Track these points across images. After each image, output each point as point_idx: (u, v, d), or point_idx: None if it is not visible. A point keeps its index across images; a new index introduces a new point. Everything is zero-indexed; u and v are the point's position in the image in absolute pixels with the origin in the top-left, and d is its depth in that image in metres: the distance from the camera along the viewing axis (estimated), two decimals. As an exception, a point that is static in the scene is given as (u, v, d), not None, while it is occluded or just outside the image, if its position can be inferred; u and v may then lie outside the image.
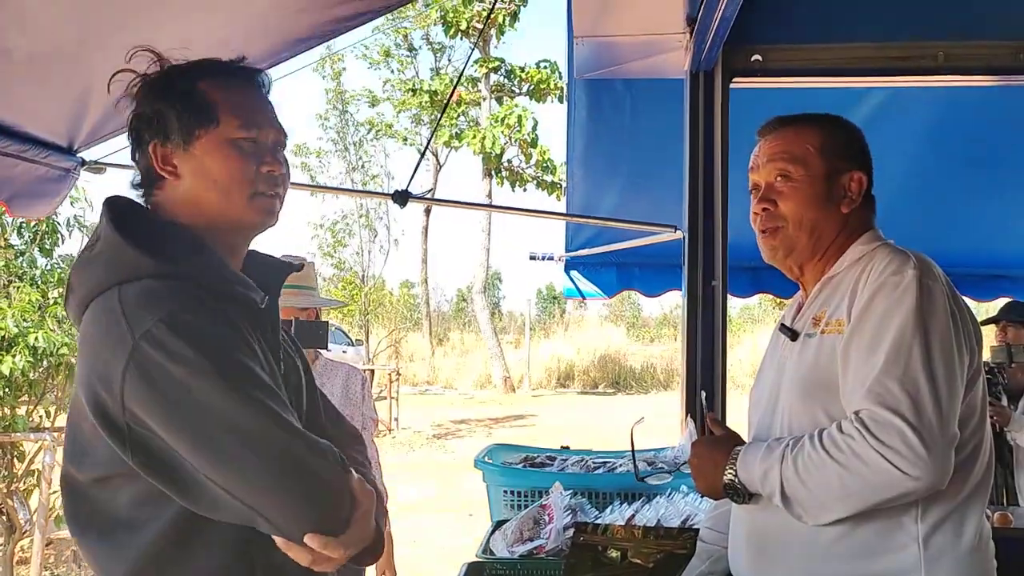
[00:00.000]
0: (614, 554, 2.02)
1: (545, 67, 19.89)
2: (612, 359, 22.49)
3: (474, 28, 18.03)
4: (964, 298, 1.61)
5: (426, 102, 20.43)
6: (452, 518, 8.03)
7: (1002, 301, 4.39)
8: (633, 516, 2.38)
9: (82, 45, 2.25)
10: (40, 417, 5.60)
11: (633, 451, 2.14)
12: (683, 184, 2.92)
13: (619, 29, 2.89)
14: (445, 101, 18.89)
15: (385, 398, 14.35)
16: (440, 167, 22.73)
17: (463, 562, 2.30)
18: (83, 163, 3.07)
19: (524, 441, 3.77)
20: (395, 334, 21.56)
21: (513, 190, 20.09)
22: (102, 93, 2.49)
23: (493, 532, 2.51)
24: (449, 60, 21.92)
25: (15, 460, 5.36)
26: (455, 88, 18.04)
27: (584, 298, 5.15)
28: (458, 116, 20.31)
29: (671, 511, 2.39)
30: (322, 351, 3.23)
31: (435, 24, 19.70)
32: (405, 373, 19.68)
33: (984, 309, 4.78)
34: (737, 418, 1.85)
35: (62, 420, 5.63)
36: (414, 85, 20.93)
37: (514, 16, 18.55)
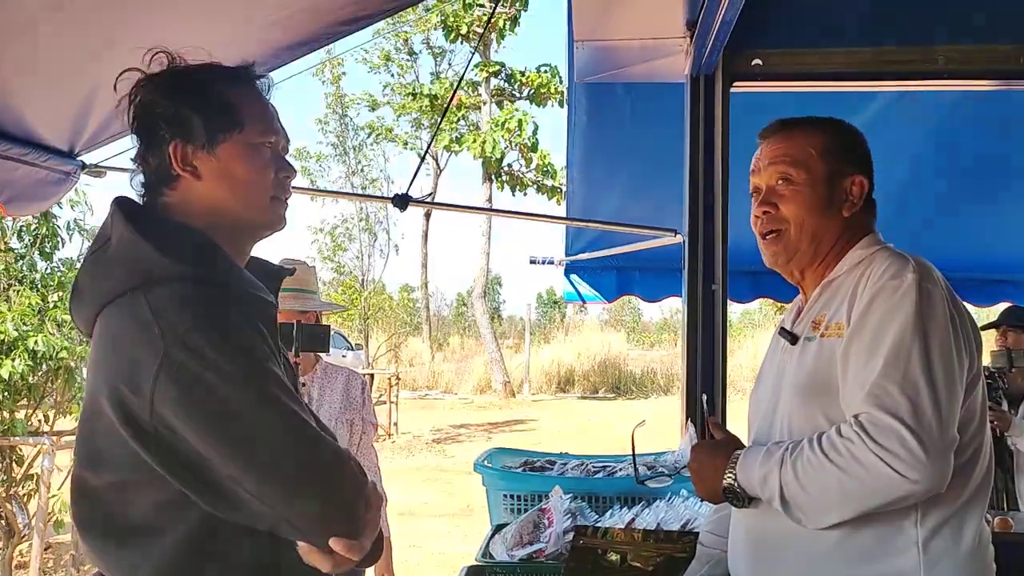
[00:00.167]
0: (614, 557, 2.02)
1: (545, 71, 19.91)
2: (612, 364, 22.48)
3: (474, 32, 18.06)
4: (964, 304, 1.61)
5: (426, 106, 20.45)
6: (451, 523, 8.03)
7: (1003, 306, 4.39)
8: (633, 520, 2.38)
9: (85, 50, 2.25)
10: (39, 421, 5.60)
11: (634, 454, 2.13)
12: (683, 188, 2.92)
13: (619, 33, 2.89)
14: (445, 105, 18.92)
15: (385, 403, 14.34)
16: (440, 171, 22.75)
17: (462, 566, 2.30)
18: (83, 166, 3.07)
19: (524, 446, 3.76)
20: (395, 338, 21.55)
21: (513, 194, 20.13)
22: (104, 97, 2.50)
23: (492, 536, 2.51)
24: (449, 64, 21.98)
25: (14, 464, 5.35)
26: (455, 92, 18.07)
27: (584, 302, 5.15)
28: (458, 120, 20.33)
29: (671, 515, 2.38)
30: (322, 355, 3.23)
31: (435, 28, 19.73)
32: (405, 378, 19.67)
33: (985, 314, 4.77)
34: (738, 422, 1.85)
35: (61, 424, 5.63)
36: (414, 89, 20.97)
37: (514, 20, 18.57)
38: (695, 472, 1.69)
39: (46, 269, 5.89)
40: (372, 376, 14.97)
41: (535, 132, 19.37)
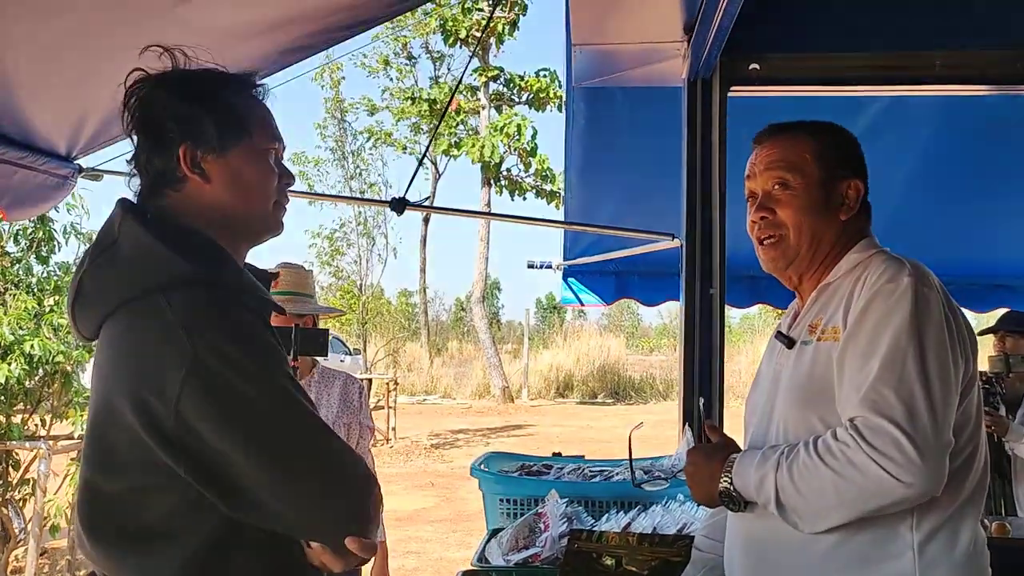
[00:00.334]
0: (609, 561, 2.02)
1: (544, 76, 19.95)
2: (611, 369, 22.47)
3: (473, 37, 18.09)
4: (963, 310, 1.61)
5: (425, 111, 20.48)
6: (449, 528, 8.01)
7: (1001, 312, 4.38)
8: (629, 524, 2.37)
9: (84, 55, 2.25)
10: (36, 425, 5.58)
11: (631, 458, 2.13)
12: (681, 192, 2.92)
13: (617, 37, 2.90)
14: (443, 109, 18.93)
15: (383, 407, 14.32)
16: (439, 176, 22.78)
17: (458, 570, 2.29)
18: (80, 170, 3.07)
19: (522, 451, 3.76)
20: (393, 343, 21.54)
21: (512, 199, 20.16)
22: (103, 100, 2.50)
23: (488, 540, 2.50)
24: (448, 69, 22.01)
25: (10, 469, 5.33)
26: (453, 96, 18.10)
27: (582, 305, 5.15)
28: (457, 125, 20.35)
29: (667, 519, 2.38)
30: (319, 359, 3.23)
31: (434, 33, 19.76)
32: (403, 383, 19.65)
33: (985, 319, 4.78)
34: (736, 427, 1.85)
35: (58, 428, 5.61)
36: (413, 94, 20.99)
37: (513, 25, 18.60)
38: (691, 476, 1.69)
39: (42, 273, 5.88)
40: (370, 381, 14.96)
41: (534, 136, 19.42)
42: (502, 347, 24.53)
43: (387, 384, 14.78)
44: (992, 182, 3.94)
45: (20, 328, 5.17)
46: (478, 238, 21.69)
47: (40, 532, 4.96)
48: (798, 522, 1.50)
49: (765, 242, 1.71)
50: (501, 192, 20.17)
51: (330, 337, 2.79)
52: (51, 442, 5.17)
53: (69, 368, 5.34)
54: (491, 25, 18.20)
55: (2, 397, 5.16)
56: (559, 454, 3.38)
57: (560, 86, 18.99)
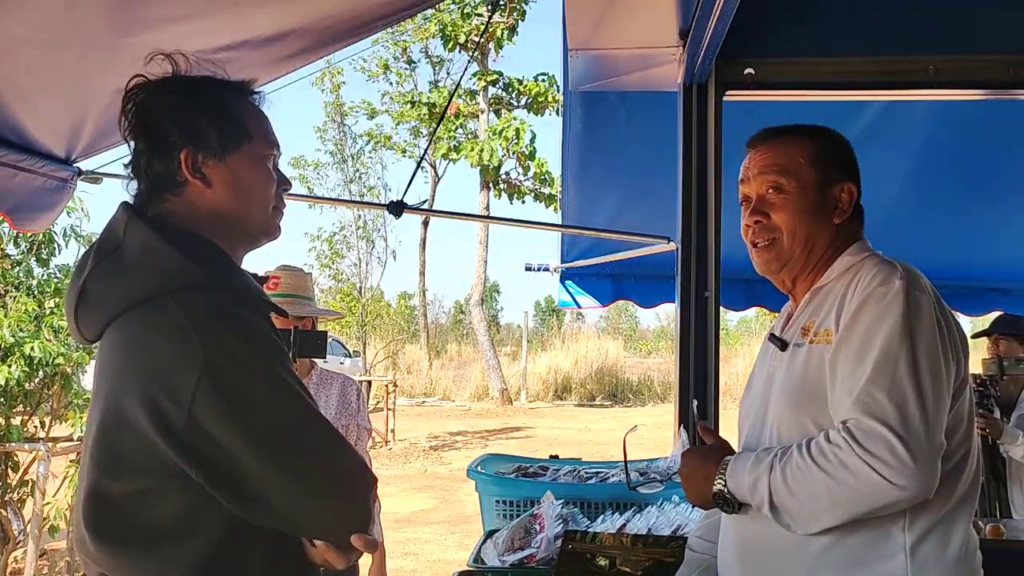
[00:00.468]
0: (603, 562, 2.03)
1: (543, 80, 19.96)
2: (609, 371, 22.47)
3: (472, 42, 18.11)
4: (957, 313, 1.62)
5: (425, 114, 20.49)
6: (447, 530, 8.01)
7: (994, 315, 4.40)
8: (624, 525, 2.39)
9: (83, 58, 2.27)
10: (35, 427, 5.59)
11: (625, 460, 2.14)
12: (676, 195, 2.93)
13: (613, 42, 2.91)
14: (441, 112, 18.93)
15: (382, 410, 14.31)
16: (438, 180, 22.79)
17: (454, 571, 2.30)
18: (80, 173, 3.08)
19: (520, 453, 3.77)
20: (392, 346, 21.53)
21: (511, 202, 20.17)
22: (101, 104, 2.51)
23: (484, 541, 2.51)
24: (448, 73, 22.02)
25: (9, 470, 5.33)
26: (451, 99, 18.09)
27: (580, 307, 5.16)
28: (456, 129, 20.37)
29: (662, 521, 2.39)
30: (318, 361, 3.24)
31: (434, 37, 19.78)
32: (402, 385, 19.65)
33: (978, 323, 4.79)
34: (732, 429, 1.86)
35: (57, 430, 5.62)
36: (412, 98, 21.00)
37: (512, 30, 18.63)
38: (685, 478, 1.70)
39: (43, 275, 5.89)
40: (369, 383, 14.95)
41: (533, 140, 19.44)
42: (501, 349, 24.52)
43: (386, 386, 14.78)
44: (985, 186, 3.95)
45: (20, 330, 5.18)
46: (477, 241, 21.70)
47: (39, 534, 4.97)
48: (791, 524, 1.51)
49: (759, 245, 1.72)
50: (500, 196, 20.19)
51: (329, 339, 2.80)
52: (50, 444, 5.17)
53: (69, 370, 5.34)
54: (490, 30, 18.21)
55: (2, 399, 5.16)
56: (556, 457, 3.39)
57: (559, 90, 18.99)
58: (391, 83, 22.04)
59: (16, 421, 5.37)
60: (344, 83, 21.32)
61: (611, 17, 2.80)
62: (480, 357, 21.81)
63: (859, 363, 1.49)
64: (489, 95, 20.52)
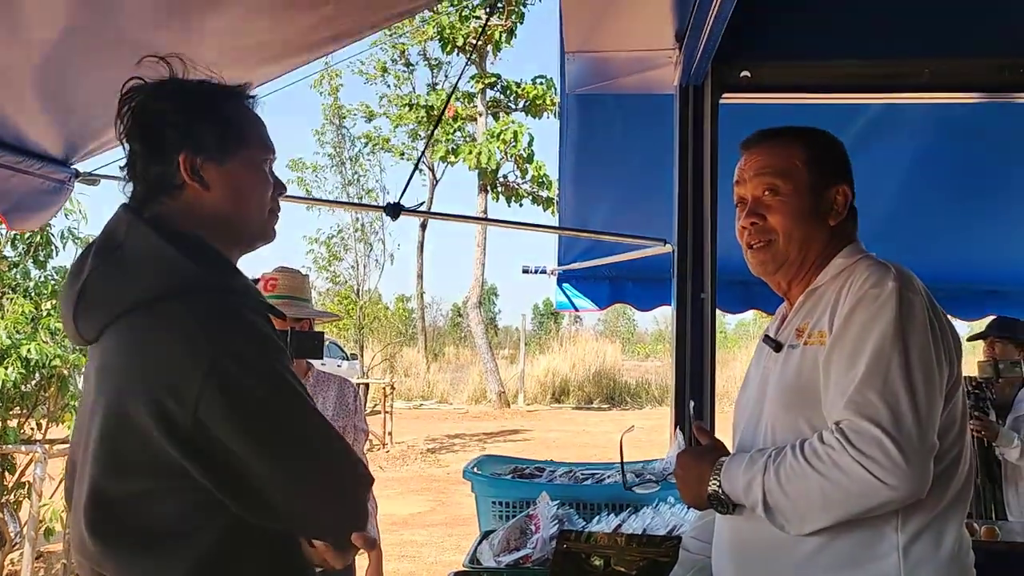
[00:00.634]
0: (597, 562, 2.03)
1: (541, 83, 19.97)
2: (607, 374, 22.47)
3: (470, 44, 18.12)
4: (952, 317, 1.63)
5: (423, 117, 20.48)
6: (444, 532, 8.01)
7: (990, 319, 4.41)
8: (620, 526, 2.39)
9: (80, 60, 2.27)
10: (32, 429, 5.58)
11: (622, 461, 2.14)
12: (673, 198, 2.94)
13: (610, 45, 2.92)
14: (438, 115, 18.93)
15: (379, 412, 14.31)
16: (436, 182, 22.78)
17: (449, 572, 2.31)
18: (77, 174, 3.08)
19: (517, 456, 3.78)
20: (390, 348, 21.51)
21: (509, 205, 20.16)
22: (97, 106, 2.51)
23: (480, 542, 2.52)
24: (446, 76, 21.99)
25: (6, 472, 5.32)
26: (448, 101, 18.11)
27: (577, 310, 5.16)
28: (454, 131, 20.37)
29: (657, 521, 2.40)
30: (314, 362, 3.24)
31: (432, 40, 19.79)
32: (400, 388, 19.63)
33: (975, 327, 4.81)
34: (729, 431, 1.87)
35: (54, 432, 5.61)
36: (411, 100, 21.00)
37: (510, 32, 18.64)
38: (680, 479, 1.70)
39: (40, 277, 5.89)
40: (367, 386, 14.94)
41: (530, 143, 19.43)
42: (499, 352, 24.52)
43: (384, 389, 14.77)
44: (981, 189, 3.96)
45: (17, 332, 5.18)
46: (475, 244, 21.71)
47: (36, 536, 4.96)
48: (785, 524, 1.52)
49: (754, 247, 1.72)
50: (498, 198, 20.21)
51: (327, 342, 2.81)
52: (47, 446, 5.16)
53: (66, 372, 5.34)
54: (488, 33, 18.23)
55: (-2, 401, 5.16)
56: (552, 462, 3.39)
57: (556, 93, 19.02)
58: (389, 86, 22.06)
59: (13, 423, 5.36)
60: (342, 85, 21.34)
61: (607, 20, 2.81)
62: (478, 360, 21.80)
63: (852, 364, 1.50)
64: (487, 98, 20.53)
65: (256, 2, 2.21)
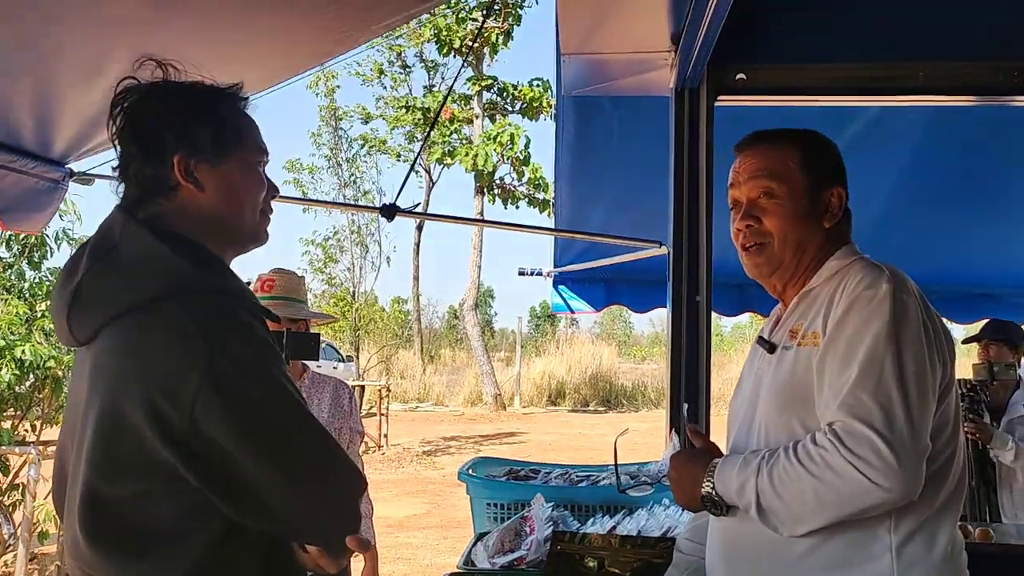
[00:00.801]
0: (591, 563, 2.03)
1: (538, 85, 20.00)
2: (603, 377, 22.48)
3: (467, 46, 18.13)
4: (946, 320, 1.63)
5: (419, 119, 20.49)
6: (439, 535, 8.00)
7: (984, 322, 4.41)
8: (614, 528, 2.39)
9: (76, 61, 2.27)
10: (25, 431, 5.57)
11: (616, 463, 2.13)
12: (668, 200, 2.94)
13: (606, 47, 2.92)
14: (433, 116, 18.93)
15: (375, 415, 14.30)
16: (433, 185, 22.78)
17: (444, 573, 2.31)
18: (71, 174, 3.08)
19: (513, 458, 3.78)
20: (386, 351, 21.50)
21: (505, 208, 20.17)
22: (93, 106, 2.51)
23: (475, 544, 2.51)
24: (443, 78, 22.01)
25: (-1, 474, 5.32)
26: (443, 103, 18.13)
27: (572, 312, 5.16)
28: (451, 134, 20.38)
29: (652, 523, 2.40)
30: (310, 364, 3.24)
31: (428, 42, 19.80)
32: (395, 390, 19.63)
33: (970, 330, 4.81)
34: (724, 434, 1.87)
35: (48, 434, 5.60)
36: (407, 102, 21.00)
37: (507, 35, 18.66)
38: (674, 481, 1.71)
39: (34, 279, 5.89)
40: (363, 388, 14.94)
41: (527, 146, 19.45)
42: (495, 355, 24.53)
43: (379, 391, 14.76)
44: (976, 192, 3.97)
45: (11, 333, 5.17)
46: (471, 246, 21.72)
47: (29, 537, 4.95)
48: (778, 526, 1.52)
49: (750, 249, 1.73)
50: (494, 201, 20.21)
51: (323, 344, 2.81)
52: (41, 447, 5.15)
53: (60, 373, 5.33)
54: (485, 35, 18.24)
55: (-8, 402, 5.15)
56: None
57: (553, 95, 19.01)
58: (385, 87, 22.07)
59: (7, 424, 5.35)
60: (339, 87, 21.28)
61: (604, 22, 2.81)
62: (474, 362, 21.80)
63: (846, 366, 1.50)
64: (484, 100, 20.54)
65: (257, 8, 2.21)
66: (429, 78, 21.99)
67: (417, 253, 23.86)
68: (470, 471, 2.98)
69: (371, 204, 20.47)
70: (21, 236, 5.65)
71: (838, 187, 1.73)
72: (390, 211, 3.29)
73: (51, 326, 5.34)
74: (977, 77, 2.79)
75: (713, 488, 1.60)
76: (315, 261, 20.73)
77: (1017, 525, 3.71)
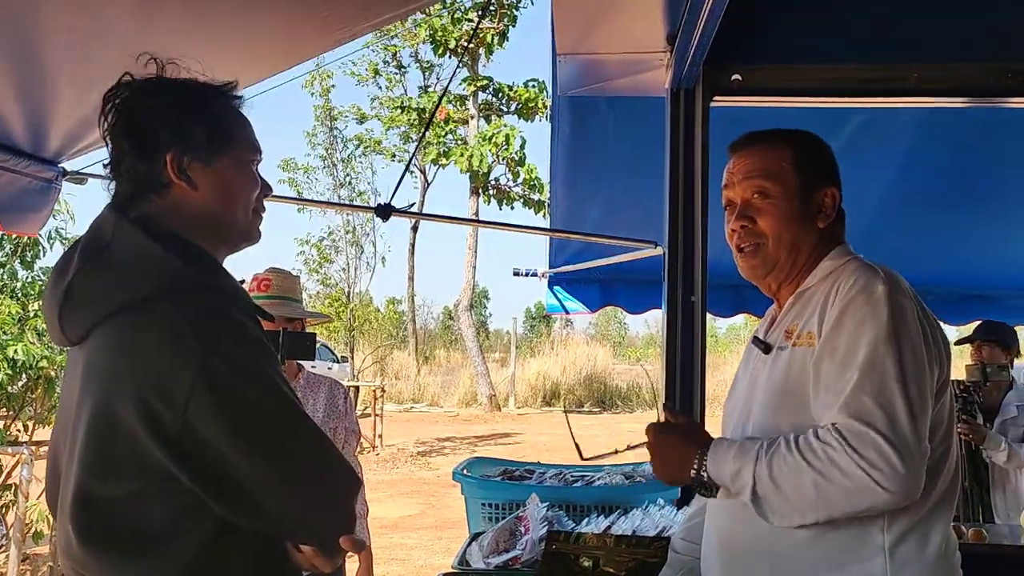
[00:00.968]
0: (586, 563, 2.03)
1: (533, 86, 20.00)
2: (598, 378, 22.49)
3: (462, 47, 18.12)
4: (940, 321, 1.63)
5: (415, 120, 20.48)
6: (434, 535, 7.99)
7: (978, 323, 4.43)
8: (609, 527, 2.39)
9: (72, 61, 2.26)
10: (18, 431, 5.55)
11: (571, 432, 1.96)
12: (664, 201, 2.94)
13: (601, 47, 2.92)
14: (428, 117, 18.93)
15: (370, 415, 14.28)
16: (428, 185, 22.78)
17: (438, 573, 2.30)
18: (64, 173, 3.07)
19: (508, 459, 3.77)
20: (380, 351, 21.49)
21: (500, 208, 20.15)
22: (88, 104, 2.50)
23: (470, 543, 2.51)
24: (438, 78, 22.01)
25: (-8, 474, 5.30)
26: (439, 103, 18.11)
27: (568, 313, 5.16)
28: (446, 134, 20.37)
29: (647, 523, 2.40)
30: (305, 364, 3.24)
31: (424, 42, 19.79)
32: (390, 391, 19.60)
33: (964, 331, 4.83)
34: (718, 434, 1.86)
35: (40, 434, 5.58)
36: (403, 103, 20.99)
37: (503, 35, 18.66)
38: (658, 457, 1.64)
39: (27, 278, 5.87)
40: (357, 388, 14.91)
41: (522, 146, 19.44)
42: (489, 355, 24.51)
43: (374, 392, 14.75)
44: (969, 193, 3.98)
45: (4, 333, 5.15)
46: (466, 247, 21.70)
47: (22, 538, 4.93)
48: (770, 515, 1.50)
49: (744, 250, 1.72)
50: (489, 202, 20.19)
51: (317, 344, 2.81)
52: (33, 447, 5.13)
53: (53, 373, 5.31)
54: (480, 35, 18.24)
55: (-15, 402, 5.13)
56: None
57: (549, 96, 18.97)
58: (380, 88, 22.04)
59: (-1, 424, 5.33)
60: (334, 87, 21.30)
61: (599, 22, 2.81)
62: (468, 363, 21.78)
63: (845, 369, 1.49)
64: (479, 101, 20.54)
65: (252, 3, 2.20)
66: (424, 78, 21.99)
67: (412, 253, 23.86)
68: (465, 471, 2.98)
69: (366, 204, 20.46)
70: (13, 236, 5.63)
71: (832, 187, 1.73)
72: (385, 211, 3.29)
73: (44, 326, 5.32)
74: (974, 78, 2.80)
75: (705, 470, 1.57)
76: (310, 261, 20.75)
77: (1010, 526, 3.72)
